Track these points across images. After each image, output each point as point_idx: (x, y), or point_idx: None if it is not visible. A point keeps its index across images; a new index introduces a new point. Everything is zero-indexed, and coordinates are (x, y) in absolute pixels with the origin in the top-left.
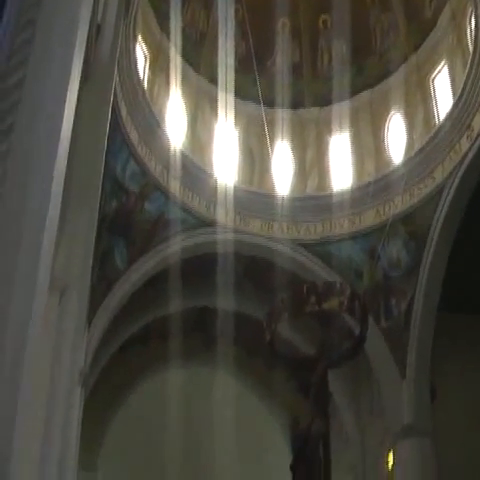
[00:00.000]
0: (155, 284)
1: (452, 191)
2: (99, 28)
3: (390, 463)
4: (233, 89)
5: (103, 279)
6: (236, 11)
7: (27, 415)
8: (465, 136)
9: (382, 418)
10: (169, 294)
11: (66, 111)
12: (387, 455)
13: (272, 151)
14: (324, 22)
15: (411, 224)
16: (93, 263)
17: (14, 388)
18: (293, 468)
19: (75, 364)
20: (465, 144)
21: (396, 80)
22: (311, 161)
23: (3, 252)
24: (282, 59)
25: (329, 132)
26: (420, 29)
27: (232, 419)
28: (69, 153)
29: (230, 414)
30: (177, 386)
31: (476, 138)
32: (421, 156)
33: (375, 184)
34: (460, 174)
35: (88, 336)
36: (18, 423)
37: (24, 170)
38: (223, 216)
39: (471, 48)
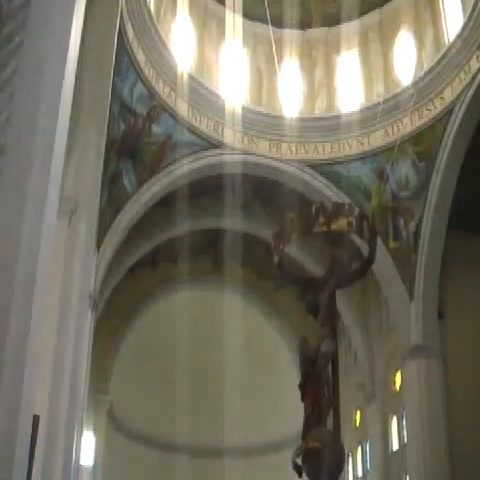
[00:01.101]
0: (164, 206)
1: (461, 111)
2: None
3: (398, 382)
4: (241, 9)
5: (112, 202)
6: None
7: (38, 337)
8: (475, 56)
9: (390, 338)
10: (177, 216)
11: (73, 31)
12: (395, 374)
13: (280, 72)
14: None
15: (420, 145)
16: (102, 186)
17: (26, 309)
18: (301, 387)
19: (85, 287)
20: (475, 64)
21: None
22: (319, 81)
23: (13, 173)
24: None
25: (338, 52)
26: None
27: (240, 339)
28: (76, 75)
29: (238, 334)
30: (186, 307)
31: None
32: (430, 76)
33: (384, 104)
34: (470, 94)
35: (98, 259)
36: (30, 345)
37: (32, 90)
38: (231, 137)
39: None
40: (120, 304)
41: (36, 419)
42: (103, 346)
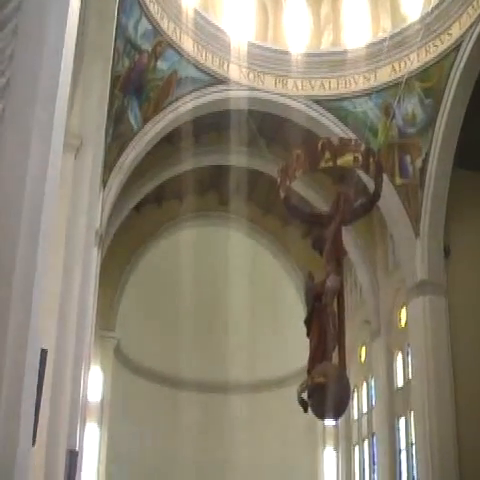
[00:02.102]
0: (169, 143)
1: (469, 48)
2: None
3: (403, 319)
4: None
5: (117, 138)
6: None
7: (45, 272)
8: None
9: (396, 275)
10: (183, 153)
11: None
12: (400, 311)
13: (286, 7)
14: None
15: (427, 81)
16: (107, 123)
17: (32, 245)
18: (307, 322)
19: (91, 223)
20: None
21: None
22: (326, 17)
23: (18, 109)
24: None
25: None
26: None
27: (246, 276)
28: (81, 12)
29: (244, 271)
30: (192, 245)
31: None
32: (438, 11)
33: (390, 40)
34: (477, 30)
35: (103, 196)
36: (37, 280)
37: (36, 26)
38: (236, 73)
39: None
40: (126, 242)
41: (44, 353)
42: (109, 284)
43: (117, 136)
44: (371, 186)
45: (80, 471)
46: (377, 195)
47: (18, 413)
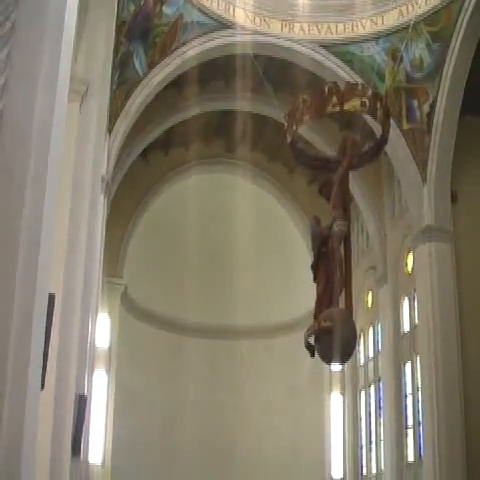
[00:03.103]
0: (175, 89)
1: None
2: None
3: (410, 264)
4: None
5: (123, 85)
6: None
7: (53, 217)
8: None
9: (403, 221)
10: (189, 99)
11: None
12: (407, 257)
13: None
14: None
15: (434, 25)
16: (112, 69)
17: (40, 190)
18: (314, 267)
19: (97, 170)
20: None
21: None
22: None
23: (23, 55)
24: None
25: None
26: None
27: (252, 222)
28: None
29: (250, 218)
30: (198, 191)
31: None
32: None
33: None
34: None
35: (109, 143)
36: (45, 225)
37: None
38: (242, 17)
39: None
40: (132, 189)
41: (52, 297)
42: (116, 231)
43: (122, 82)
44: (378, 131)
45: (89, 415)
46: (384, 140)
47: (27, 357)
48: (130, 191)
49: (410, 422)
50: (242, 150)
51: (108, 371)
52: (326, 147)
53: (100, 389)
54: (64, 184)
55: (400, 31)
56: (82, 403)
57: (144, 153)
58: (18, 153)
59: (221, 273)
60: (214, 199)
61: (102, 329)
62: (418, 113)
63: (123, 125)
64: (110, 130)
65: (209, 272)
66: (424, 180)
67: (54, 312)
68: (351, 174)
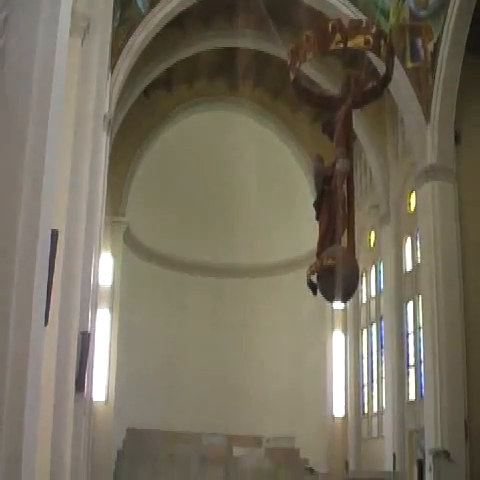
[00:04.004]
0: (177, 27)
1: None
2: None
3: (413, 204)
4: None
5: (125, 23)
6: None
7: (56, 156)
8: None
9: (406, 160)
10: (191, 36)
11: None
12: (410, 196)
13: None
14: None
15: None
16: (114, 6)
17: (42, 128)
18: (316, 206)
19: (100, 108)
20: None
21: None
22: None
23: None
24: None
25: None
26: None
27: (255, 161)
28: None
29: (254, 156)
30: (201, 129)
31: None
32: None
33: None
34: None
35: (111, 81)
36: (47, 163)
37: None
38: None
39: None
40: (135, 127)
41: (55, 233)
42: (119, 169)
43: (124, 20)
44: (382, 70)
45: (92, 353)
46: (388, 78)
47: (30, 292)
48: (132, 129)
49: (411, 361)
50: (245, 88)
51: (111, 309)
52: (329, 85)
53: (103, 327)
54: (66, 121)
55: None
56: (85, 340)
57: (146, 91)
58: (20, 90)
59: (224, 211)
60: (217, 138)
61: (105, 268)
62: (422, 52)
63: (125, 63)
64: (112, 68)
65: (212, 210)
66: (428, 119)
67: (57, 249)
68: (354, 113)
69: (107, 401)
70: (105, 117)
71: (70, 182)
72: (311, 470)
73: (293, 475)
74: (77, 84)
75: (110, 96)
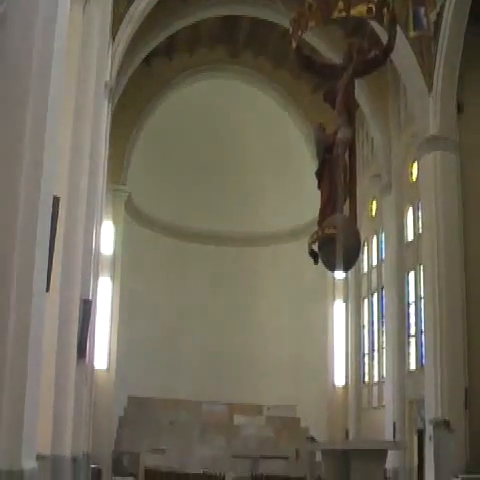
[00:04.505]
0: None
1: None
2: None
3: (414, 173)
4: None
5: None
6: None
7: (56, 126)
8: None
9: (408, 130)
10: (193, 3)
11: None
12: (412, 166)
13: None
14: None
15: None
16: None
17: (43, 92)
18: (318, 174)
19: (101, 76)
20: None
21: None
22: None
23: None
24: None
25: None
26: None
27: (257, 130)
28: None
29: (255, 125)
30: (202, 97)
31: None
32: None
33: None
34: None
35: (113, 49)
36: (49, 130)
37: None
38: None
39: None
40: (136, 95)
41: (56, 200)
42: (120, 138)
43: None
44: (384, 38)
45: (94, 320)
46: (390, 47)
47: (32, 258)
48: (134, 98)
49: (412, 331)
50: (247, 56)
51: (112, 278)
52: (331, 54)
53: (104, 295)
54: (68, 89)
55: None
56: (87, 307)
57: (147, 59)
58: (21, 57)
59: (225, 180)
60: (218, 106)
61: (106, 236)
62: (425, 21)
63: (126, 31)
64: (113, 36)
65: (213, 178)
66: (430, 89)
67: (59, 216)
68: (356, 81)
69: (108, 369)
70: (106, 85)
71: (71, 150)
72: (312, 438)
73: (294, 443)
74: (78, 52)
75: (111, 64)
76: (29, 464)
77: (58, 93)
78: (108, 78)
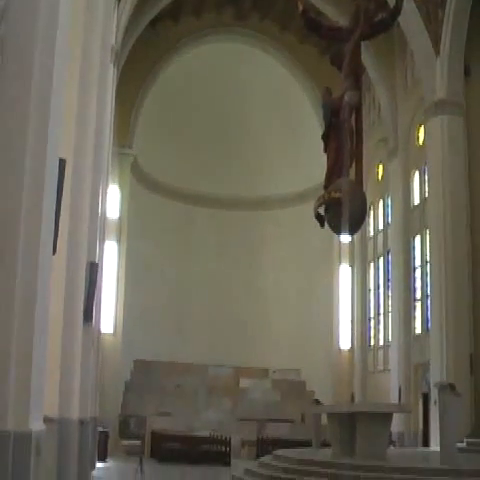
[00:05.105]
0: None
1: None
2: None
3: (421, 137)
4: None
5: None
6: None
7: (62, 89)
8: None
9: (415, 94)
10: None
11: None
12: (418, 129)
13: None
14: None
15: None
16: None
17: (48, 59)
18: (325, 138)
19: (106, 39)
20: None
21: None
22: None
23: None
24: None
25: None
26: None
27: (263, 93)
28: None
29: (261, 88)
30: (208, 60)
31: None
32: None
33: None
34: None
35: (118, 12)
36: (54, 91)
37: None
38: None
39: None
40: (142, 59)
41: (62, 162)
42: (126, 102)
43: None
44: (392, 2)
45: (100, 283)
46: (398, 10)
47: (39, 219)
48: (139, 61)
49: (418, 295)
50: (253, 20)
51: (119, 242)
52: (338, 17)
53: (111, 260)
54: (73, 53)
55: None
56: (93, 270)
57: (153, 23)
58: (27, 18)
59: (231, 144)
60: (224, 69)
61: (113, 200)
62: None
63: None
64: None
65: (219, 143)
66: (437, 53)
67: (65, 179)
68: (363, 45)
69: (115, 333)
70: (112, 49)
71: (77, 113)
72: (317, 401)
73: (299, 407)
74: (83, 15)
75: (117, 28)
76: (37, 426)
77: (64, 56)
78: (113, 42)
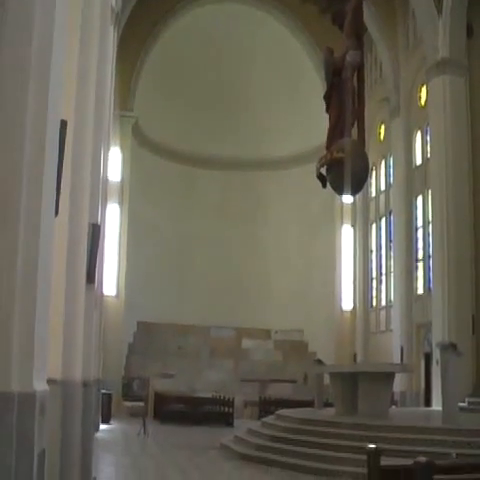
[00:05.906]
0: None
1: None
2: None
3: (423, 98)
4: None
5: None
6: None
7: (62, 50)
8: None
9: (417, 53)
10: None
11: None
12: (420, 89)
13: None
14: None
15: None
16: None
17: (48, 19)
18: (327, 98)
19: (106, 2)
20: None
21: None
22: None
23: None
24: None
25: None
26: None
27: (265, 54)
28: None
29: (262, 49)
30: (209, 22)
31: None
32: None
33: None
34: None
35: None
36: (54, 58)
37: None
38: None
39: None
40: (143, 21)
41: (64, 123)
42: (127, 64)
43: None
44: None
45: (102, 245)
46: None
47: (40, 181)
48: (139, 23)
49: (420, 255)
50: None
51: (120, 204)
52: None
53: (113, 222)
54: (73, 15)
55: None
56: (96, 232)
57: None
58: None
59: (232, 105)
60: (224, 30)
61: (114, 163)
62: None
63: None
64: None
65: (220, 105)
66: (439, 12)
67: (66, 141)
68: (365, 4)
69: (117, 295)
70: (112, 10)
71: (78, 75)
72: (319, 361)
73: (301, 367)
74: None
75: None
76: (41, 386)
77: (63, 17)
78: (114, 3)
